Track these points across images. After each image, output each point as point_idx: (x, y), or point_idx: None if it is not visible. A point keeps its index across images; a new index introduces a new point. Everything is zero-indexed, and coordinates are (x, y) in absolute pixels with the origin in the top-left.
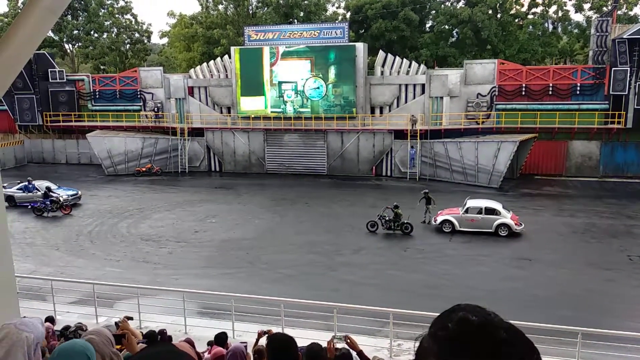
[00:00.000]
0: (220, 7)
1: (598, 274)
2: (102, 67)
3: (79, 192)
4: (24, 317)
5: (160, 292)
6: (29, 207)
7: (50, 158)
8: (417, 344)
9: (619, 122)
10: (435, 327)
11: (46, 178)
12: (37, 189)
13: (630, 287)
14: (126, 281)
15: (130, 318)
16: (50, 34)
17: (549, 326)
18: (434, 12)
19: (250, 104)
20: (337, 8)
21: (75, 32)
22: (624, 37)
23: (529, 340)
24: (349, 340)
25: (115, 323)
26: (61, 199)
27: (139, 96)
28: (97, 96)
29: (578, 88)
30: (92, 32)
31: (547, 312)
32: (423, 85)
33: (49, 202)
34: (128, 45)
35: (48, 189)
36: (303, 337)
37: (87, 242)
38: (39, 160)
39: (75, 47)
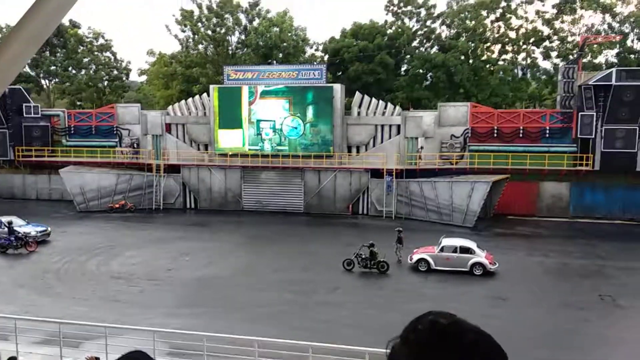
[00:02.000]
0: (200, 46)
1: (572, 314)
2: (78, 103)
3: (49, 229)
4: None
5: (130, 331)
6: None
7: (20, 193)
8: (389, 350)
9: (587, 165)
10: (406, 331)
11: (15, 214)
12: (5, 225)
13: (603, 327)
14: (94, 320)
15: (97, 359)
16: (27, 69)
17: None
18: (408, 56)
19: (228, 141)
20: (315, 50)
21: (53, 68)
22: (590, 83)
23: (497, 344)
24: None
25: None
26: (27, 235)
27: (115, 132)
28: (72, 132)
29: (547, 131)
30: (69, 69)
31: (524, 351)
32: (398, 126)
33: (13, 239)
34: (106, 82)
35: (9, 224)
36: None
37: (54, 280)
38: (8, 196)
39: (52, 82)
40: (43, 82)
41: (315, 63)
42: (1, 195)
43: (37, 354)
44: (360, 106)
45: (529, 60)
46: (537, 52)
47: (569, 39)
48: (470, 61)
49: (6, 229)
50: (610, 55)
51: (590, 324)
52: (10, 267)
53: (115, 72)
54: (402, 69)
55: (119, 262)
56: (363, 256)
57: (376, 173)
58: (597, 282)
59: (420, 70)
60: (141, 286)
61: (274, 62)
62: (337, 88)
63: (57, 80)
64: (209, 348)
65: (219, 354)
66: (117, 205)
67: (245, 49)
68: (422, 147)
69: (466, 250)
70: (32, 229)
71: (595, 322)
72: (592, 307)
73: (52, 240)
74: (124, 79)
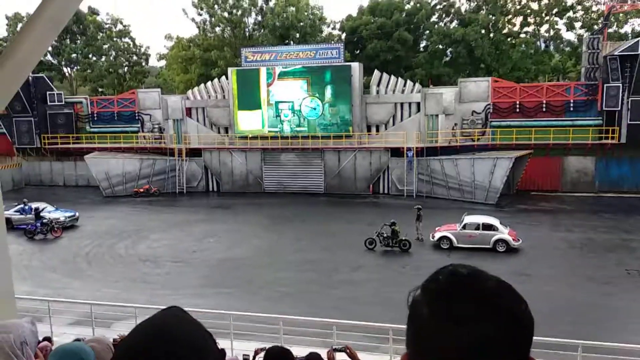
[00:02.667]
0: (218, 29)
1: (597, 289)
2: (100, 89)
3: (77, 214)
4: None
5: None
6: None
7: (47, 180)
8: (410, 298)
9: (612, 138)
10: (427, 281)
11: (43, 200)
12: (32, 211)
13: (629, 300)
14: (124, 302)
15: None
16: (49, 57)
17: (549, 339)
18: (427, 32)
19: (247, 123)
20: (332, 29)
21: (74, 55)
22: (615, 54)
23: (516, 292)
24: (348, 351)
25: (113, 339)
26: (52, 221)
27: (137, 118)
28: (95, 118)
29: (571, 104)
30: (90, 56)
31: (547, 326)
32: (418, 104)
33: (39, 225)
34: (126, 68)
35: (37, 210)
36: (302, 355)
37: (84, 264)
38: (36, 183)
39: (74, 70)
40: (65, 69)
41: (332, 42)
42: (30, 182)
43: (71, 334)
44: (379, 84)
45: (552, 32)
46: (561, 23)
47: (594, 8)
48: (491, 35)
49: (33, 214)
50: (637, 24)
51: (615, 298)
52: (40, 252)
53: (135, 57)
54: (421, 45)
55: (145, 245)
56: (385, 235)
57: (396, 152)
58: (623, 256)
59: (440, 46)
60: (168, 268)
61: (291, 42)
62: (355, 67)
63: (78, 67)
64: (235, 326)
65: (245, 332)
66: (141, 190)
67: (262, 30)
68: (456, 124)
69: (489, 227)
70: (60, 215)
71: (620, 296)
72: (618, 281)
73: (80, 225)
74: (143, 64)
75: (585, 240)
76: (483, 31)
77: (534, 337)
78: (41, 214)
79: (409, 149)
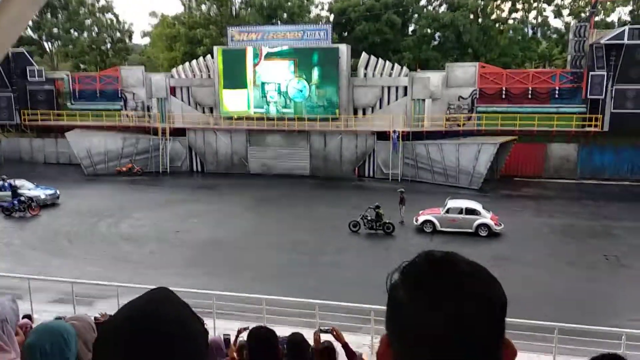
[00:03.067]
0: (203, 7)
1: (576, 273)
2: (82, 66)
3: (58, 192)
4: None
5: (141, 290)
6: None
7: (27, 157)
8: (389, 282)
9: (596, 126)
10: (404, 265)
11: (23, 177)
12: (9, 188)
13: (607, 285)
14: (105, 280)
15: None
16: (29, 32)
17: (527, 322)
18: (416, 15)
19: (233, 104)
20: (320, 10)
21: (55, 30)
22: (601, 42)
23: (490, 273)
24: (334, 333)
25: (95, 317)
26: (30, 199)
27: (119, 96)
28: (77, 95)
29: (557, 92)
30: (71, 31)
31: (526, 310)
32: (405, 88)
33: (16, 202)
34: (109, 45)
35: (14, 187)
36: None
37: (65, 242)
38: (16, 160)
39: (55, 45)
40: (46, 45)
41: (320, 23)
42: (9, 158)
43: (52, 312)
44: (366, 67)
45: (539, 19)
46: (549, 10)
47: None
48: (480, 20)
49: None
50: (623, 13)
51: (594, 283)
52: (21, 230)
53: (118, 34)
54: (410, 28)
55: (128, 224)
56: (369, 218)
57: (382, 136)
58: (603, 242)
59: (428, 30)
60: (151, 247)
61: (278, 22)
62: (343, 49)
63: (59, 43)
64: (218, 306)
65: (227, 312)
66: (124, 169)
67: (249, 9)
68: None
69: (472, 211)
70: (41, 192)
71: (599, 282)
72: (597, 267)
73: (61, 203)
74: (126, 41)
75: (566, 226)
76: (472, 16)
77: (513, 319)
78: (19, 192)
79: (394, 131)
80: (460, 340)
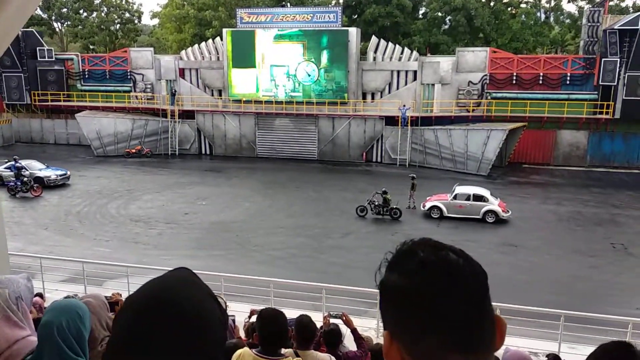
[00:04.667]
0: None
1: (582, 261)
2: (91, 46)
3: (68, 172)
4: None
5: (150, 271)
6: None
7: (38, 138)
8: (378, 279)
9: (607, 113)
10: (393, 257)
11: (34, 158)
12: (25, 169)
13: (613, 274)
14: (115, 261)
15: (120, 295)
16: (39, 11)
17: (532, 309)
18: None
19: (242, 87)
20: None
21: (64, 10)
22: (615, 27)
23: (479, 265)
24: (344, 318)
25: (105, 297)
26: (32, 179)
27: (129, 77)
28: (87, 76)
29: (568, 78)
30: (81, 11)
31: (531, 296)
32: (415, 72)
33: (19, 183)
34: (118, 25)
35: (18, 168)
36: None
37: (75, 222)
38: (27, 140)
39: (64, 25)
40: (55, 25)
41: (330, 5)
42: (20, 139)
43: (63, 291)
44: (376, 51)
45: (552, 3)
46: None
47: None
48: (492, 4)
49: (28, 172)
50: None
51: (599, 271)
52: (32, 209)
53: (127, 14)
54: (420, 12)
55: (137, 205)
56: (376, 203)
57: (391, 120)
58: (610, 230)
59: (439, 14)
60: (159, 229)
61: (288, 4)
62: (353, 32)
63: (69, 23)
64: (227, 288)
65: (236, 294)
66: (133, 151)
67: None
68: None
69: (479, 198)
70: (51, 173)
71: (605, 269)
72: (604, 255)
73: (71, 183)
74: (135, 22)
75: (574, 214)
76: (483, 0)
77: (520, 306)
78: (22, 173)
79: (404, 105)
80: (465, 314)
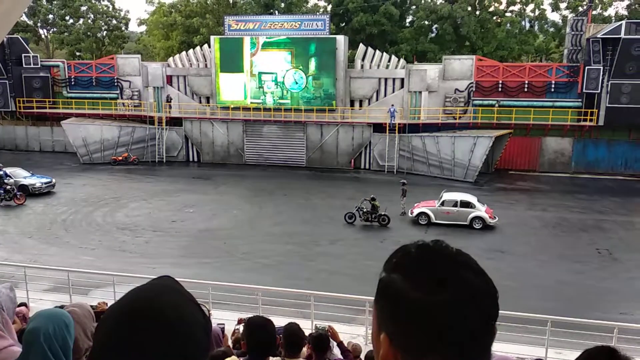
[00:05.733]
0: None
1: (568, 266)
2: (77, 53)
3: (53, 180)
4: None
5: (136, 280)
6: None
7: (23, 145)
8: (378, 280)
9: (591, 120)
10: (395, 258)
11: (19, 165)
12: (8, 176)
13: (599, 279)
14: (101, 269)
15: (106, 305)
16: (24, 17)
17: (519, 314)
18: (414, 7)
19: (230, 94)
20: (318, 0)
21: (50, 16)
22: (598, 36)
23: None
24: (330, 332)
25: (92, 307)
26: (14, 188)
27: (116, 84)
28: (73, 83)
29: (553, 85)
30: (67, 17)
31: (518, 302)
32: (402, 80)
33: (2, 192)
34: (105, 32)
35: (0, 176)
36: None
37: (61, 231)
38: (11, 147)
39: (50, 32)
40: (41, 31)
41: (318, 13)
42: (4, 146)
43: (47, 301)
44: (363, 59)
45: (537, 12)
46: (546, 4)
47: None
48: (477, 12)
49: (12, 180)
50: (620, 7)
51: (585, 277)
52: (16, 218)
53: (114, 21)
54: (407, 20)
55: (124, 213)
56: (364, 209)
57: (379, 127)
58: (595, 236)
59: (426, 22)
60: (146, 237)
61: (276, 12)
62: (341, 39)
63: (55, 29)
64: (214, 296)
65: (223, 302)
66: (120, 158)
67: None
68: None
69: (466, 204)
70: (36, 181)
71: (590, 275)
72: (589, 260)
73: (56, 191)
74: (123, 29)
75: (560, 220)
76: (469, 8)
77: (506, 312)
78: (5, 181)
79: (392, 105)
80: (478, 334)
